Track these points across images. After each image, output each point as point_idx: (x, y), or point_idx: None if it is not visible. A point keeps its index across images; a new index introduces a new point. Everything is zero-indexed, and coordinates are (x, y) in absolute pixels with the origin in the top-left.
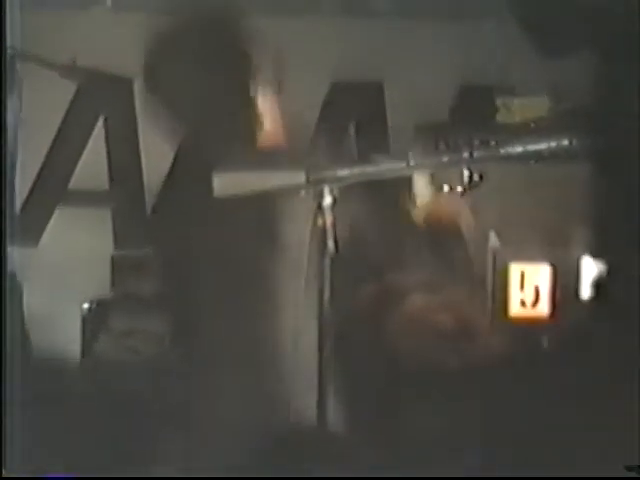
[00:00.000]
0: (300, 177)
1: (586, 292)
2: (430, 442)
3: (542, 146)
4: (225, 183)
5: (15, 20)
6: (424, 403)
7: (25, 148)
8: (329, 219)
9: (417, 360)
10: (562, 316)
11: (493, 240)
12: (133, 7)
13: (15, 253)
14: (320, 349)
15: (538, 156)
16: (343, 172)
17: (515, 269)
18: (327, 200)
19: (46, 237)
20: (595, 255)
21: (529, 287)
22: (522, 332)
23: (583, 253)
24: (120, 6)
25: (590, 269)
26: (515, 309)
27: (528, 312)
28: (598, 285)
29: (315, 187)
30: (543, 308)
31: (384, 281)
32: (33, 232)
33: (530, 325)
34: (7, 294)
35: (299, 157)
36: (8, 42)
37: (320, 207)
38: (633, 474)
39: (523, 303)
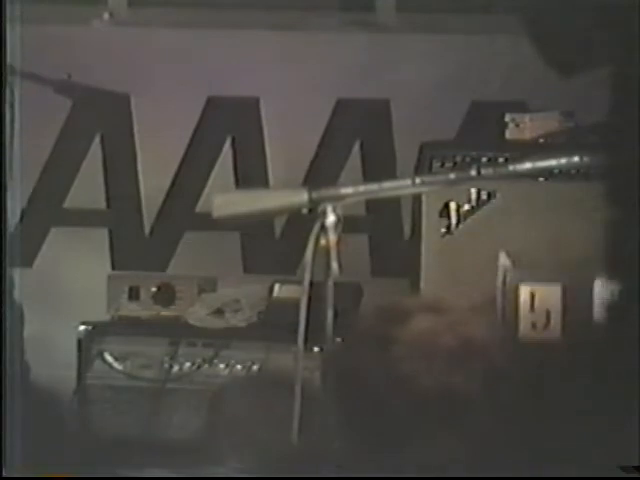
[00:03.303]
0: (302, 195)
1: (599, 314)
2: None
3: (552, 163)
4: (225, 203)
5: (13, 34)
6: (432, 428)
7: (20, 166)
8: (332, 239)
9: (423, 384)
10: (574, 339)
11: (503, 260)
12: (131, 22)
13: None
14: (323, 376)
15: (548, 173)
16: (347, 190)
17: (525, 290)
18: (330, 219)
19: (41, 257)
20: (608, 276)
21: (540, 308)
22: (532, 354)
23: (596, 274)
24: (118, 21)
25: (603, 291)
26: (525, 331)
27: (539, 333)
28: (612, 307)
29: (318, 205)
30: (554, 330)
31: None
32: (28, 252)
33: (540, 347)
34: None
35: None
36: (8, 58)
37: (323, 226)
38: (630, 474)
39: (534, 325)
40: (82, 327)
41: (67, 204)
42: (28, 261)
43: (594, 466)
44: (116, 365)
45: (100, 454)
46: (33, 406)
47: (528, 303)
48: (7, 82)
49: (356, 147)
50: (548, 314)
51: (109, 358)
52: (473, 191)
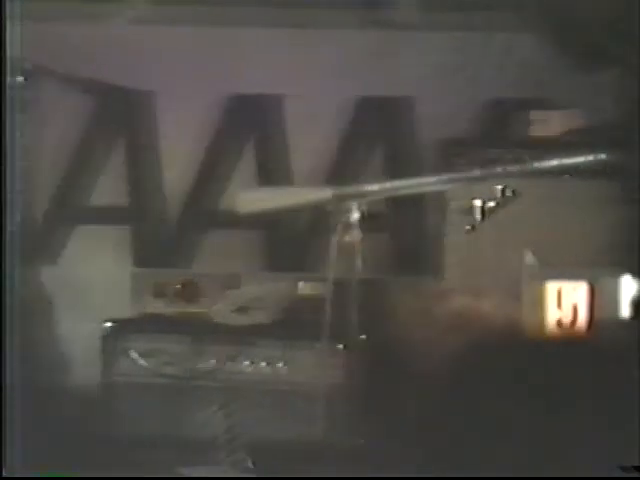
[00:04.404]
0: (326, 193)
1: (626, 311)
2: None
3: (577, 160)
4: (249, 200)
5: (35, 34)
6: (452, 412)
7: (45, 165)
8: (357, 236)
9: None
10: (600, 335)
11: (529, 257)
12: (153, 20)
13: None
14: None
15: (573, 170)
16: (371, 187)
17: (552, 287)
18: (354, 216)
19: (66, 254)
20: (635, 273)
21: (567, 306)
22: (558, 350)
23: (622, 271)
24: (140, 19)
25: (630, 288)
26: (552, 327)
27: (565, 330)
28: (638, 304)
29: (342, 203)
30: (581, 327)
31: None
32: (53, 249)
33: (567, 343)
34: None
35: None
36: (14, 57)
37: (347, 223)
38: (630, 474)
39: (560, 322)
40: (107, 324)
41: (91, 202)
42: (52, 259)
43: (612, 465)
44: (141, 362)
45: (124, 452)
46: (54, 405)
47: (555, 300)
48: (30, 81)
49: (379, 144)
50: (575, 311)
51: (134, 355)
52: (498, 188)
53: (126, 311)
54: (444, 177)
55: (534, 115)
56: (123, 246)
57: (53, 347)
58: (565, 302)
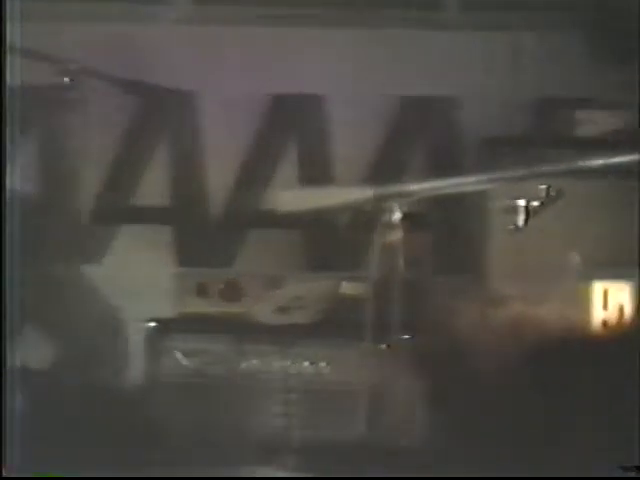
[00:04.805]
0: (367, 192)
1: None
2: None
3: (622, 159)
4: (291, 199)
5: (80, 34)
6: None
7: (89, 165)
8: (398, 236)
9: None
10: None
11: (574, 257)
12: (197, 21)
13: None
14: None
15: (618, 170)
16: (413, 187)
17: (598, 288)
18: (396, 216)
19: (110, 254)
20: None
21: (613, 306)
22: (605, 349)
23: None
24: (184, 20)
25: None
26: (598, 328)
27: (612, 331)
28: None
29: (383, 203)
30: (628, 327)
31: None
32: (97, 249)
33: (613, 342)
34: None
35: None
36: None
37: (389, 223)
38: (631, 474)
39: (607, 322)
40: (150, 324)
41: (135, 202)
42: (97, 259)
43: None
44: (184, 362)
45: (165, 451)
46: (98, 403)
47: (601, 300)
48: (75, 82)
49: (420, 144)
50: (621, 311)
51: (177, 355)
52: (542, 188)
53: (169, 311)
54: (485, 177)
55: (579, 114)
56: (166, 246)
57: (97, 346)
58: (611, 302)
